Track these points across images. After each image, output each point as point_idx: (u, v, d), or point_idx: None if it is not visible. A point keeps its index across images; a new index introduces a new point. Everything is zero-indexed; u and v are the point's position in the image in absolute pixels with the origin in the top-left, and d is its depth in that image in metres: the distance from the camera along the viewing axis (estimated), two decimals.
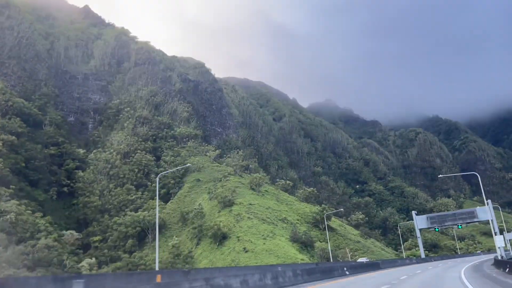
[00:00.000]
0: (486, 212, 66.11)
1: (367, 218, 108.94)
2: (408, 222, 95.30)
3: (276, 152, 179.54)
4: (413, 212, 74.58)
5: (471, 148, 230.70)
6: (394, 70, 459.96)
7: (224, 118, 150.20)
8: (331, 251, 58.99)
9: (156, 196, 40.12)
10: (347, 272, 26.75)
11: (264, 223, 64.60)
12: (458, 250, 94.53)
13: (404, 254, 65.72)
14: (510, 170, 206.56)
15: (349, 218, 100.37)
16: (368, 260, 50.18)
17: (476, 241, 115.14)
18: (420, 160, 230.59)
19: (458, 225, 69.41)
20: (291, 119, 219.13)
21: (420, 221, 71.14)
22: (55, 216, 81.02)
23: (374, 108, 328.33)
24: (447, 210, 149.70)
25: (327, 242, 63.25)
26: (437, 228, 70.58)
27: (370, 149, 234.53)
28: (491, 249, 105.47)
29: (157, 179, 29.21)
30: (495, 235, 47.53)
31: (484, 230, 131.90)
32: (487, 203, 62.00)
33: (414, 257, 63.16)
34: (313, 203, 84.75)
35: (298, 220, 71.34)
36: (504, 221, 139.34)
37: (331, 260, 48.01)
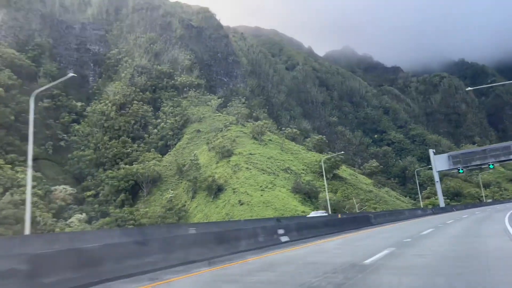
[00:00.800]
0: None
1: (381, 166, 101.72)
2: (428, 168, 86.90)
3: (288, 102, 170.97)
4: (431, 151, 63.02)
5: (499, 92, 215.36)
6: (415, 13, 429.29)
7: (231, 67, 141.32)
8: (339, 202, 52.80)
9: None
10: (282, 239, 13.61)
11: (264, 173, 58.61)
12: (484, 197, 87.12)
13: (421, 204, 58.79)
14: None
15: (361, 167, 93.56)
16: (324, 213, 38.11)
17: (502, 188, 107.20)
18: (444, 106, 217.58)
19: (489, 164, 54.36)
20: (305, 68, 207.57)
21: (439, 162, 58.65)
22: (51, 171, 77.57)
23: (395, 54, 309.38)
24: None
25: (334, 193, 57.19)
26: (461, 169, 56.76)
27: (390, 97, 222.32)
28: None
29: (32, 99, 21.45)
30: None
31: (510, 176, 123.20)
32: None
33: (431, 207, 54.67)
34: (323, 152, 77.78)
35: (303, 170, 65.02)
36: None
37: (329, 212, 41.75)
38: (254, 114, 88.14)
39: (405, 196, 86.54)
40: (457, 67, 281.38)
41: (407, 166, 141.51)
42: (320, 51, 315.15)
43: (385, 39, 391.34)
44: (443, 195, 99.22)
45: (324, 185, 60.98)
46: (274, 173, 59.32)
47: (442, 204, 57.46)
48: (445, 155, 61.60)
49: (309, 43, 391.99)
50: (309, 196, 53.89)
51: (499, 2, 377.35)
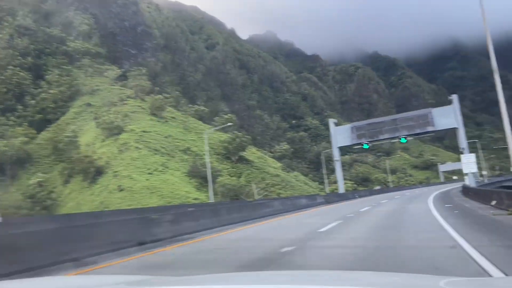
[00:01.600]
0: (448, 114, 43.48)
1: (292, 149, 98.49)
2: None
3: (205, 83, 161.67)
4: (331, 121, 53.65)
5: (407, 84, 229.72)
6: (335, 3, 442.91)
7: (140, 38, 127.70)
8: (240, 187, 46.18)
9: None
10: None
11: (156, 154, 49.71)
12: (391, 183, 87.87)
13: (328, 189, 54.76)
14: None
15: (272, 150, 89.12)
16: None
17: (407, 174, 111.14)
18: (358, 95, 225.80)
19: (401, 138, 45.16)
20: (225, 48, 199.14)
21: (341, 135, 48.24)
22: None
23: (315, 42, 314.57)
24: (382, 145, 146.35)
25: (238, 177, 50.58)
26: (367, 144, 47.02)
27: (309, 84, 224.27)
28: (422, 182, 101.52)
29: None
30: (463, 152, 36.08)
31: (415, 163, 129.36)
32: (452, 100, 44.25)
33: (323, 194, 42.25)
34: (233, 132, 70.76)
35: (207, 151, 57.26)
36: (434, 155, 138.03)
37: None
38: (157, 88, 77.80)
39: (315, 182, 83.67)
40: (371, 59, 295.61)
41: (321, 151, 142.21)
42: (243, 34, 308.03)
43: (306, 27, 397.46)
44: (352, 180, 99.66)
45: (227, 168, 54.10)
46: (169, 154, 50.76)
47: (341, 189, 48.61)
48: (347, 126, 51.83)
49: (232, 25, 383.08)
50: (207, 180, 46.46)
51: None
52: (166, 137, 55.98)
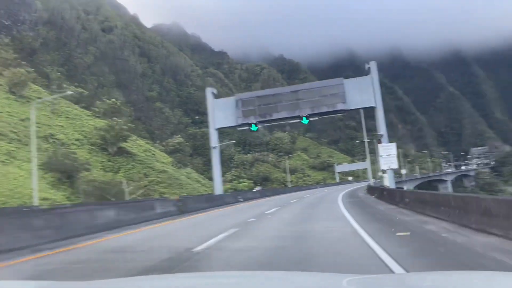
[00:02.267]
0: (365, 88, 33.91)
1: (187, 144, 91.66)
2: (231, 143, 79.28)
3: (98, 67, 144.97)
4: (208, 90, 41.75)
5: None
6: (245, 2, 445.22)
7: (17, 9, 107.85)
8: (116, 185, 37.53)
9: None
10: None
11: (2, 139, 38.31)
12: (289, 183, 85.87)
13: (221, 188, 48.79)
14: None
15: (164, 143, 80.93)
16: None
17: (306, 174, 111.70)
18: None
19: (302, 118, 34.47)
20: (124, 33, 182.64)
21: (222, 112, 36.31)
22: None
23: (223, 39, 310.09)
24: (282, 145, 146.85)
25: (115, 172, 41.77)
26: (255, 125, 35.50)
27: (215, 79, 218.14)
28: (319, 182, 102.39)
29: None
30: (380, 141, 30.41)
31: (313, 164, 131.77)
32: (368, 67, 35.46)
33: (175, 199, 30.28)
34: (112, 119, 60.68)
35: (77, 140, 47.01)
36: (330, 157, 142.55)
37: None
38: (23, 63, 63.35)
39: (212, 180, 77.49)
40: (276, 61, 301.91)
41: (223, 149, 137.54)
42: (148, 23, 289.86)
43: (215, 23, 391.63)
44: (251, 180, 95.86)
45: (102, 161, 44.79)
46: (20, 141, 39.63)
47: (218, 189, 36.97)
48: (231, 99, 38.12)
49: (135, 11, 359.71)
50: (69, 176, 36.85)
51: (315, 6, 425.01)
52: (21, 120, 44.31)
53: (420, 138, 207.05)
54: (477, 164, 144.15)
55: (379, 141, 28.54)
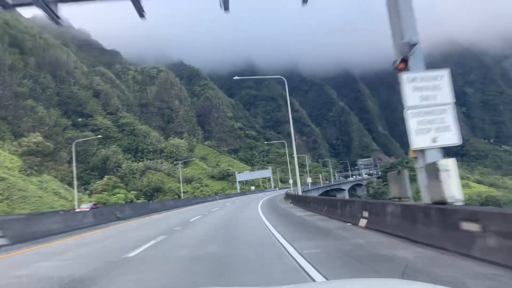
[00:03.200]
0: None
1: (48, 144, 75.26)
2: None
3: None
4: None
5: (209, 95, 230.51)
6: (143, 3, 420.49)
7: None
8: None
9: None
10: None
11: None
12: (182, 194, 75.04)
13: (76, 204, 35.67)
14: (239, 119, 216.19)
15: (15, 143, 63.96)
16: None
17: (203, 184, 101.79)
18: (159, 100, 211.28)
19: None
20: None
21: None
22: None
23: (116, 38, 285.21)
24: (178, 152, 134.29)
25: None
26: None
27: (104, 79, 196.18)
28: (217, 193, 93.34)
29: None
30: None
31: (212, 173, 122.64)
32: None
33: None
34: None
35: None
36: (230, 165, 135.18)
37: None
38: None
39: (81, 192, 62.60)
40: (175, 66, 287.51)
41: (109, 155, 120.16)
42: (27, 13, 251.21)
43: (108, 20, 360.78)
44: (141, 191, 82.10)
45: None
46: None
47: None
48: None
49: None
50: None
51: (218, 18, 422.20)
52: None
53: (315, 149, 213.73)
54: (368, 175, 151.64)
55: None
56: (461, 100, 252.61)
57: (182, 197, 66.15)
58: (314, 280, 5.13)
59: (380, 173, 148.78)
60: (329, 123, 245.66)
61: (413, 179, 8.58)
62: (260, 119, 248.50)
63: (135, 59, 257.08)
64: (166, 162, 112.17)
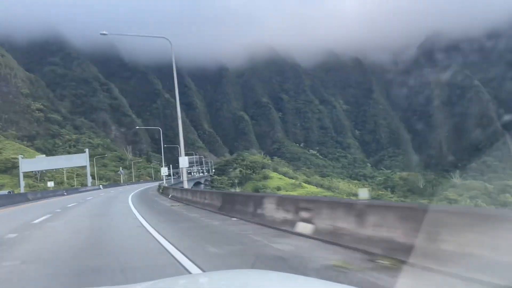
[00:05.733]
0: None
1: None
2: None
3: None
4: None
5: None
6: None
7: None
8: None
9: None
10: None
11: None
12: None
13: None
14: (38, 99, 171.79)
15: None
16: None
17: None
18: None
19: None
20: None
21: None
22: None
23: None
24: None
25: None
26: None
27: None
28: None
29: None
30: None
31: None
32: None
33: None
34: None
35: None
36: (22, 155, 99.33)
37: None
38: None
39: None
40: None
41: None
42: None
43: None
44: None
45: None
46: None
47: None
48: None
49: None
50: None
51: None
52: None
53: (136, 143, 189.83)
54: (201, 171, 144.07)
55: None
56: (278, 105, 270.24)
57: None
58: None
59: (214, 170, 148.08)
60: (153, 115, 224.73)
61: None
62: (68, 103, 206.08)
63: None
64: None
